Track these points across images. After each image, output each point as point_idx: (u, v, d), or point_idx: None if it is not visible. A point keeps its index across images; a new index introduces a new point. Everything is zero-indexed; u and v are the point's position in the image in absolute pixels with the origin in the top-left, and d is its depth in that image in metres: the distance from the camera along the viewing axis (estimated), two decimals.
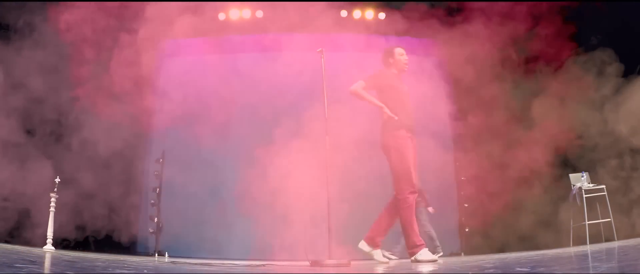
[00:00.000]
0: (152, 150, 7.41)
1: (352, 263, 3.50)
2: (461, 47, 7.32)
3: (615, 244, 4.65)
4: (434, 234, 5.89)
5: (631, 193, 5.77)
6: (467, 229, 6.94)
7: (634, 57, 5.93)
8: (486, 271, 2.25)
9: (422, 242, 3.59)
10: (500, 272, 2.06)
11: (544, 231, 7.25)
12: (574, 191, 5.94)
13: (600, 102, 6.18)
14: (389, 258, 3.80)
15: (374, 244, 3.68)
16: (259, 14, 7.90)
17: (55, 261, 2.60)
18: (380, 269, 2.97)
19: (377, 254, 3.66)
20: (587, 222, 5.66)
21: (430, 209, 6.18)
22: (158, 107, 7.87)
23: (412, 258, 3.51)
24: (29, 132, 6.06)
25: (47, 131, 6.35)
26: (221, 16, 7.92)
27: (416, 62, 8.22)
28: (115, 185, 7.11)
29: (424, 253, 3.50)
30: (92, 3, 6.80)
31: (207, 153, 7.66)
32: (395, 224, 3.82)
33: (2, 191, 5.43)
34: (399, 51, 4.02)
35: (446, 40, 8.05)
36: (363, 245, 3.66)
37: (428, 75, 8.15)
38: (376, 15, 8.00)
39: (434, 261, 3.52)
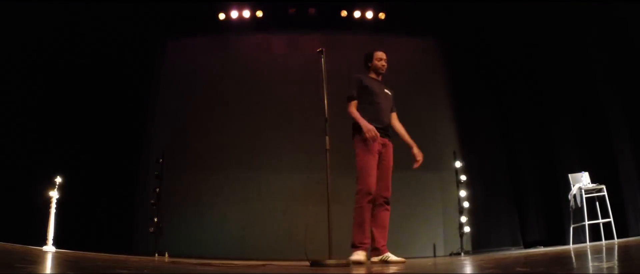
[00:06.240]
0: (152, 150, 7.41)
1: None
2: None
3: (615, 244, 4.65)
4: None
5: None
6: (467, 229, 6.94)
7: None
8: (486, 271, 2.25)
9: (361, 244, 3.63)
10: (500, 272, 2.06)
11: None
12: (574, 191, 5.93)
13: None
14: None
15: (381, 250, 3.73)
16: (259, 14, 7.90)
17: (55, 261, 2.60)
18: (378, 268, 2.97)
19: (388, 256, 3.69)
20: (587, 222, 5.66)
21: None
22: (158, 106, 7.88)
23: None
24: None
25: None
26: (221, 16, 7.93)
27: (416, 62, 8.26)
28: (115, 186, 7.12)
29: (355, 254, 3.57)
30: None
31: (207, 152, 7.67)
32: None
33: None
34: (378, 55, 4.06)
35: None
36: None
37: (428, 75, 8.19)
38: (376, 15, 8.00)
39: (359, 262, 3.51)
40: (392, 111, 4.11)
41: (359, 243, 3.63)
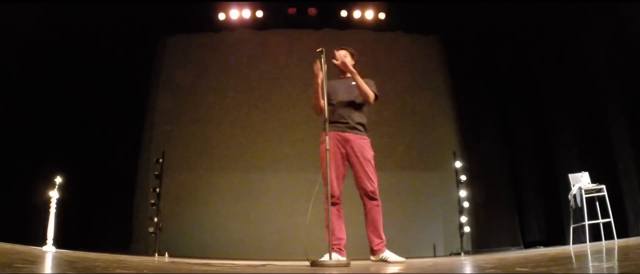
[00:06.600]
0: (152, 150, 7.41)
1: (352, 263, 3.50)
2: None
3: (615, 244, 4.65)
4: None
5: None
6: (467, 229, 6.94)
7: None
8: (486, 271, 2.25)
9: (331, 245, 3.40)
10: (500, 272, 2.06)
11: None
12: (574, 191, 5.93)
13: None
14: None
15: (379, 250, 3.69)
16: (259, 14, 7.90)
17: (55, 261, 2.60)
18: (377, 268, 2.97)
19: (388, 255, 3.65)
20: (587, 222, 5.66)
21: None
22: (158, 106, 7.88)
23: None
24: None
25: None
26: (221, 16, 7.92)
27: (416, 62, 8.26)
28: (115, 186, 7.13)
29: (325, 255, 3.36)
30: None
31: (207, 152, 7.67)
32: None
33: None
34: (338, 54, 4.04)
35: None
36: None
37: (428, 75, 8.19)
38: (376, 14, 8.00)
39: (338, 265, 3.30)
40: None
41: (331, 245, 3.57)
